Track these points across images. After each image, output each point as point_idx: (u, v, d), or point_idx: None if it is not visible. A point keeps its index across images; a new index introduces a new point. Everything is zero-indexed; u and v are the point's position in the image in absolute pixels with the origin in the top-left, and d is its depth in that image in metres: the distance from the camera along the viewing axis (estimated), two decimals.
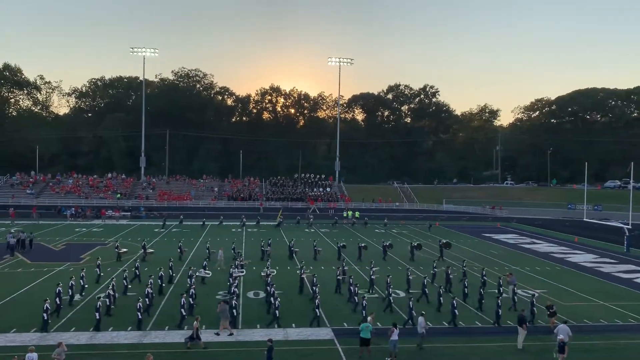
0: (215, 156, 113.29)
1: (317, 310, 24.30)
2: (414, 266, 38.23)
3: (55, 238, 50.64)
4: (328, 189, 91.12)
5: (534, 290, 30.48)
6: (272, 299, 25.36)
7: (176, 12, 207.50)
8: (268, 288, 27.10)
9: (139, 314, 23.18)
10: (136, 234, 54.88)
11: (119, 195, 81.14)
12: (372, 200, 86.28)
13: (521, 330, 22.09)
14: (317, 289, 27.14)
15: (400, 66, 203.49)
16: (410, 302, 24.69)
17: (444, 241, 45.49)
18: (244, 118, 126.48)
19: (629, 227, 50.53)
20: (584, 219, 60.35)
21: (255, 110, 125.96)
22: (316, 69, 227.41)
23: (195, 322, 21.40)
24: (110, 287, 26.68)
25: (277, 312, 23.96)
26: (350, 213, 72.23)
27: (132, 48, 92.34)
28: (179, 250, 41.23)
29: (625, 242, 49.89)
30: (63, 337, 21.04)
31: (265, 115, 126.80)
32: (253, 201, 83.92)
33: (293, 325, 24.15)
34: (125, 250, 41.38)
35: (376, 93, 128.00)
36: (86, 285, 29.22)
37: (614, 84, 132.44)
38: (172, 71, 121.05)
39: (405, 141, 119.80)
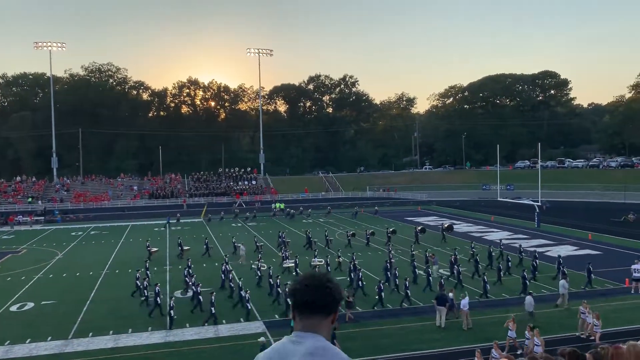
0: (132, 153, 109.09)
1: (248, 304, 24.44)
2: (421, 249, 40.42)
3: None
4: (253, 182, 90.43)
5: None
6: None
7: (84, 2, 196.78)
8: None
9: (212, 309, 23.51)
10: (51, 240, 52.15)
11: (30, 199, 76.45)
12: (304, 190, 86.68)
13: (442, 309, 23.10)
14: (240, 283, 26.80)
15: (319, 57, 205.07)
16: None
17: (420, 227, 47.89)
18: (162, 113, 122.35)
19: (539, 204, 53.87)
20: (498, 199, 63.62)
21: (173, 105, 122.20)
22: (235, 60, 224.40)
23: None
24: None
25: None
26: (278, 205, 72.12)
27: (37, 42, 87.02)
28: (179, 247, 41.14)
29: (536, 218, 53.20)
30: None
31: (184, 109, 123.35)
32: (175, 198, 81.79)
33: (224, 321, 23.94)
34: (156, 249, 40.70)
35: (297, 84, 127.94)
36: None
37: (521, 70, 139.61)
38: (82, 66, 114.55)
39: (328, 131, 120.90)
